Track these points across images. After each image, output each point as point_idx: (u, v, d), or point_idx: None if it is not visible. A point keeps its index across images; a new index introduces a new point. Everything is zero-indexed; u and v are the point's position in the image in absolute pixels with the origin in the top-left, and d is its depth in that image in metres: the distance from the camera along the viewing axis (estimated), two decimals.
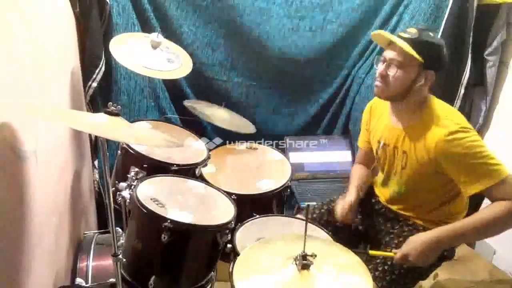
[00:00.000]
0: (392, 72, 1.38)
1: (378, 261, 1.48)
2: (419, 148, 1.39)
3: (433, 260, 1.38)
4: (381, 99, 1.48)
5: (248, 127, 2.09)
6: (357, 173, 1.72)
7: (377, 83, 1.43)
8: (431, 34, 1.38)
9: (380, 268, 1.45)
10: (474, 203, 1.58)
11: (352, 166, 2.43)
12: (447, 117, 1.36)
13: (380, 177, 1.65)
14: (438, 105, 1.42)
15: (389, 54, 1.39)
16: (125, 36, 1.87)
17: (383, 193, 1.63)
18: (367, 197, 1.70)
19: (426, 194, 1.48)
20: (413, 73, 1.37)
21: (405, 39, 1.35)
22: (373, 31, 1.48)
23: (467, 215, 1.54)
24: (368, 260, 1.47)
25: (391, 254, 1.41)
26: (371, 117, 1.64)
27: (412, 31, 1.35)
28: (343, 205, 1.58)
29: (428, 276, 1.57)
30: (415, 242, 1.35)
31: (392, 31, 2.30)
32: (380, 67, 1.42)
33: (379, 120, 1.59)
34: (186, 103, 2.06)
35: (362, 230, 1.66)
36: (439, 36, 2.13)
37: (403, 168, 1.47)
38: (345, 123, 2.51)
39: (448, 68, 1.53)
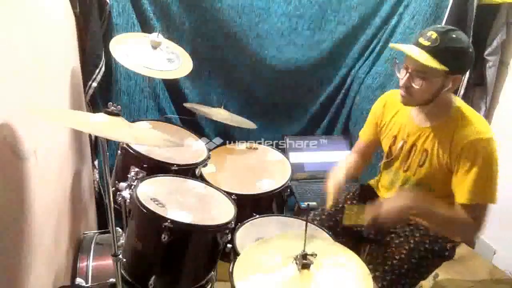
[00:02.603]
0: (416, 84, 1.32)
1: (378, 261, 1.48)
2: (445, 146, 1.38)
3: (396, 223, 1.43)
4: (408, 106, 1.46)
5: (248, 124, 2.09)
6: (350, 161, 1.72)
7: (402, 93, 1.38)
8: (453, 36, 1.28)
9: (380, 269, 1.45)
10: None
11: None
12: (478, 121, 1.36)
13: (384, 173, 1.63)
14: (465, 106, 1.41)
15: (411, 63, 1.32)
16: (125, 36, 1.87)
17: (385, 191, 1.63)
18: (369, 198, 1.70)
19: (434, 194, 1.48)
20: (439, 82, 1.32)
21: (426, 48, 1.28)
22: (392, 44, 1.42)
23: None
24: (368, 261, 1.47)
25: (361, 221, 1.43)
26: (385, 112, 1.60)
27: (433, 37, 1.27)
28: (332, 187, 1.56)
29: (428, 276, 1.57)
30: (387, 205, 1.36)
31: (392, 31, 2.30)
32: (402, 77, 1.36)
33: (396, 116, 1.56)
34: (186, 105, 2.06)
35: (363, 231, 1.65)
36: None
37: (420, 165, 1.46)
38: (345, 123, 2.51)
39: None
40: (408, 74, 1.34)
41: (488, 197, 1.33)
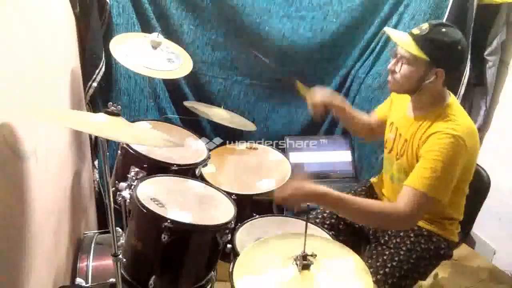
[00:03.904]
0: (400, 69, 1.38)
1: (378, 264, 1.48)
2: (420, 137, 1.39)
3: (298, 205, 1.38)
4: (392, 92, 1.50)
5: (248, 126, 2.09)
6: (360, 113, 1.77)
7: (389, 77, 1.44)
8: (443, 30, 1.32)
9: (381, 272, 1.45)
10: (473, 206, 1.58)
11: (352, 166, 2.47)
12: (458, 120, 1.35)
13: (390, 170, 1.63)
14: (456, 105, 1.41)
15: (399, 50, 1.39)
16: (125, 36, 1.87)
17: (385, 188, 1.64)
18: (366, 195, 1.72)
19: None
20: (420, 71, 1.35)
21: (414, 36, 1.34)
22: (385, 28, 1.48)
23: (463, 221, 1.57)
24: (369, 264, 1.48)
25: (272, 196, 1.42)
26: (394, 100, 1.64)
27: (424, 27, 1.33)
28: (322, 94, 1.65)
29: (427, 276, 1.57)
30: (303, 188, 1.30)
31: None
32: (391, 62, 1.42)
33: (397, 104, 1.60)
34: (186, 103, 2.06)
35: (364, 229, 1.66)
36: None
37: (401, 155, 1.48)
38: None
39: None
40: (395, 60, 1.40)
41: (423, 183, 1.28)
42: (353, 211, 1.32)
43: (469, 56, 2.12)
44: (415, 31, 1.34)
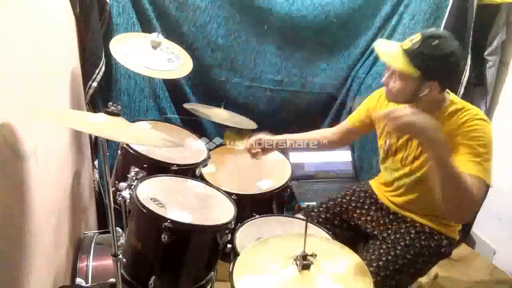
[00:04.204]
0: (392, 82, 1.37)
1: (373, 257, 1.49)
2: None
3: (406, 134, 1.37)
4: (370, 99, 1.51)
5: (248, 124, 2.09)
6: (319, 132, 1.83)
7: (385, 89, 1.43)
8: (434, 43, 1.27)
9: (374, 264, 1.46)
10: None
11: (352, 166, 2.47)
12: (473, 109, 1.35)
13: (383, 170, 1.64)
14: (458, 100, 1.41)
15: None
16: (125, 36, 1.87)
17: (384, 186, 1.64)
18: (366, 194, 1.72)
19: (432, 187, 1.47)
20: (413, 85, 1.33)
21: (405, 50, 1.31)
22: (375, 43, 1.45)
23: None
24: (364, 256, 1.49)
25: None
26: (380, 104, 1.62)
27: (414, 40, 1.29)
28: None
29: (425, 273, 1.57)
30: (426, 117, 1.18)
31: (392, 31, 2.30)
32: (385, 75, 1.41)
33: (391, 107, 1.56)
34: (186, 105, 2.06)
35: (361, 226, 1.66)
36: None
37: (416, 158, 1.47)
38: None
39: None
40: (389, 72, 1.39)
41: (482, 172, 1.25)
42: (449, 169, 1.20)
43: (469, 56, 2.12)
44: (406, 44, 1.31)
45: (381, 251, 1.50)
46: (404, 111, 1.21)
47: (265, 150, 1.75)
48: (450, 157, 1.21)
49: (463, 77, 2.14)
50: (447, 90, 1.43)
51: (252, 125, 2.11)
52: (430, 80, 1.31)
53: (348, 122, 1.76)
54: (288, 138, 1.77)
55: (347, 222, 1.68)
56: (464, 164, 1.26)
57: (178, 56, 1.90)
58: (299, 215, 1.73)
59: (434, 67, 1.29)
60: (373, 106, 1.65)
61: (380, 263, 1.46)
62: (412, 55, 1.29)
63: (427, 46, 1.28)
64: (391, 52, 1.35)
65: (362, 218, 1.67)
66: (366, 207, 1.69)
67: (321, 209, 1.70)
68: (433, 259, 1.53)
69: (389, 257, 1.47)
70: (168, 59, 1.83)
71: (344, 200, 1.72)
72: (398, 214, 1.59)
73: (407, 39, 1.33)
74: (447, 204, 1.23)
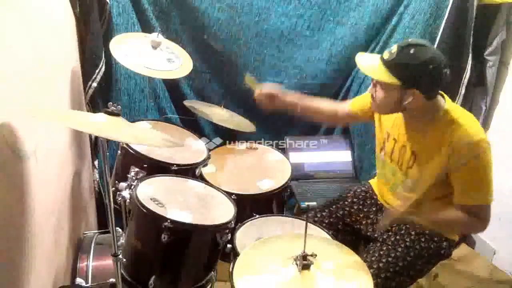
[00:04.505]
0: (377, 94, 1.40)
1: (373, 258, 1.49)
2: (432, 151, 1.39)
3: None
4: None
5: (248, 126, 2.09)
6: (324, 101, 1.81)
7: (371, 100, 1.45)
8: (411, 51, 1.29)
9: (375, 265, 1.46)
10: None
11: (352, 166, 2.47)
12: (468, 124, 1.36)
13: (383, 171, 1.64)
14: (454, 109, 1.41)
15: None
16: (125, 36, 1.87)
17: (385, 189, 1.64)
18: (366, 194, 1.72)
19: (428, 194, 1.48)
20: (395, 94, 1.34)
21: (384, 61, 1.33)
22: (357, 55, 1.45)
23: None
24: (364, 258, 1.49)
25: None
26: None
27: (393, 50, 1.31)
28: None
29: (425, 274, 1.58)
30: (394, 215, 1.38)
31: (392, 31, 2.30)
32: (370, 86, 1.44)
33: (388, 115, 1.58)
34: (186, 103, 2.06)
35: (363, 230, 1.66)
36: (438, 36, 2.13)
37: (409, 167, 1.47)
38: None
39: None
40: (372, 84, 1.42)
41: (481, 198, 1.35)
42: (442, 227, 1.47)
43: (469, 56, 2.12)
44: (386, 55, 1.33)
45: (381, 252, 1.50)
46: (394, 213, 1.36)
47: (272, 105, 1.73)
48: (442, 223, 1.41)
49: (463, 77, 2.14)
50: (446, 97, 1.43)
51: (250, 126, 2.11)
52: (411, 88, 1.32)
53: (351, 108, 1.74)
54: (300, 102, 1.74)
55: (350, 225, 1.68)
56: (465, 196, 1.36)
57: (178, 56, 1.90)
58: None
59: (412, 76, 1.30)
60: None
61: (381, 264, 1.47)
62: (390, 65, 1.31)
63: (403, 55, 1.29)
64: (371, 64, 1.37)
65: (364, 221, 1.67)
66: (366, 209, 1.69)
67: (324, 213, 1.69)
68: (433, 261, 1.54)
69: (389, 259, 1.47)
70: (168, 59, 1.83)
71: (346, 203, 1.72)
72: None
73: (386, 50, 1.35)
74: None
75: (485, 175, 1.33)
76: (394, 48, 1.32)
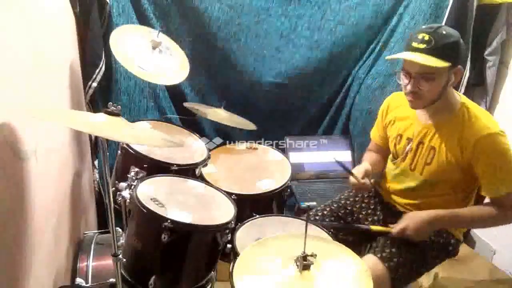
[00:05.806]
0: (424, 86, 1.35)
1: (386, 245, 1.48)
2: (452, 144, 1.40)
3: (427, 236, 1.48)
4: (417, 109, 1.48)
5: (248, 125, 2.09)
6: (369, 156, 1.76)
7: (410, 98, 1.40)
8: (444, 32, 1.32)
9: (387, 250, 1.46)
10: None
11: (352, 166, 2.46)
12: (485, 118, 1.39)
13: (391, 170, 1.64)
14: (470, 103, 1.44)
15: (413, 68, 1.34)
16: (126, 28, 1.86)
17: (392, 187, 1.64)
18: (369, 193, 1.72)
19: (440, 193, 1.49)
20: (444, 78, 1.35)
21: (425, 50, 1.30)
22: (388, 56, 1.44)
23: None
24: (375, 244, 1.50)
25: (389, 229, 1.49)
26: (389, 112, 1.64)
27: (426, 38, 1.30)
28: (359, 170, 1.60)
29: (432, 268, 1.58)
30: (414, 218, 1.44)
31: (392, 31, 2.30)
32: (407, 83, 1.37)
33: (399, 115, 1.58)
34: (186, 105, 2.06)
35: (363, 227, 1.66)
36: None
37: (427, 163, 1.47)
38: (345, 123, 2.51)
39: None
40: (412, 80, 1.36)
41: (509, 187, 1.37)
42: (468, 224, 1.54)
43: (469, 56, 2.12)
44: (420, 45, 1.31)
45: (392, 241, 1.48)
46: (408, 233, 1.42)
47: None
48: (460, 221, 1.47)
49: (463, 77, 2.14)
50: (458, 92, 1.46)
51: (251, 126, 2.11)
52: (457, 66, 1.35)
53: (372, 139, 1.77)
54: (370, 175, 1.64)
55: (350, 224, 1.67)
56: (493, 188, 1.39)
57: (176, 56, 1.89)
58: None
59: (457, 53, 1.34)
60: (384, 115, 1.66)
61: (393, 249, 1.45)
62: (434, 50, 1.30)
63: (441, 37, 1.31)
64: (417, 61, 1.30)
65: (369, 219, 1.67)
66: (372, 207, 1.69)
67: (325, 212, 1.69)
68: (441, 256, 1.54)
69: (402, 246, 1.46)
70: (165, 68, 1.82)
71: (348, 202, 1.72)
72: (405, 213, 1.57)
73: (414, 43, 1.33)
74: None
75: (508, 165, 1.35)
76: (423, 36, 1.31)
